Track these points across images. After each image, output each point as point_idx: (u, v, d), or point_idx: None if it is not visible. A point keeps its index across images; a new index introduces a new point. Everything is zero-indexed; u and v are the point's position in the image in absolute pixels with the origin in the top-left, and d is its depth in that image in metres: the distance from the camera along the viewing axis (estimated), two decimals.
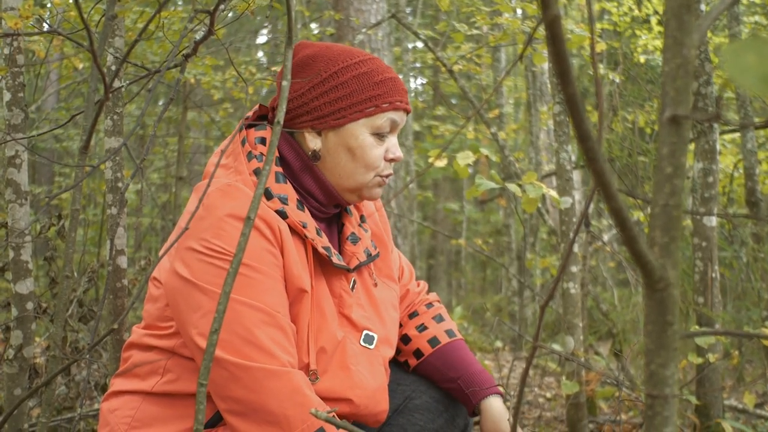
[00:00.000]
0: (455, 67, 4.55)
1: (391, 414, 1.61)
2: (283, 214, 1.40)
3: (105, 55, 2.29)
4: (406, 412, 1.62)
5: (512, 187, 2.12)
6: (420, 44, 8.12)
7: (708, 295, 2.65)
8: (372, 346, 1.51)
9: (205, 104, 6.81)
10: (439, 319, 1.72)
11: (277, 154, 1.47)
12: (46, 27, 2.53)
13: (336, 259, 1.47)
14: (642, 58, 4.47)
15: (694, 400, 2.62)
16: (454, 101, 10.24)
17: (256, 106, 1.57)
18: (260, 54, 9.55)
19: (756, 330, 3.21)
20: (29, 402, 2.50)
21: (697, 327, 2.70)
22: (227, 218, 1.35)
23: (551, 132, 6.82)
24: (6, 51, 2.10)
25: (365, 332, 1.51)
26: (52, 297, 2.76)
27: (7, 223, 2.14)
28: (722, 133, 4.45)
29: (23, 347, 2.10)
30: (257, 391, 1.30)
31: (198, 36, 1.50)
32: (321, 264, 1.48)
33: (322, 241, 1.45)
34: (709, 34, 3.72)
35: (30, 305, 2.11)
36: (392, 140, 1.51)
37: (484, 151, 2.22)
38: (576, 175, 6.16)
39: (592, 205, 5.03)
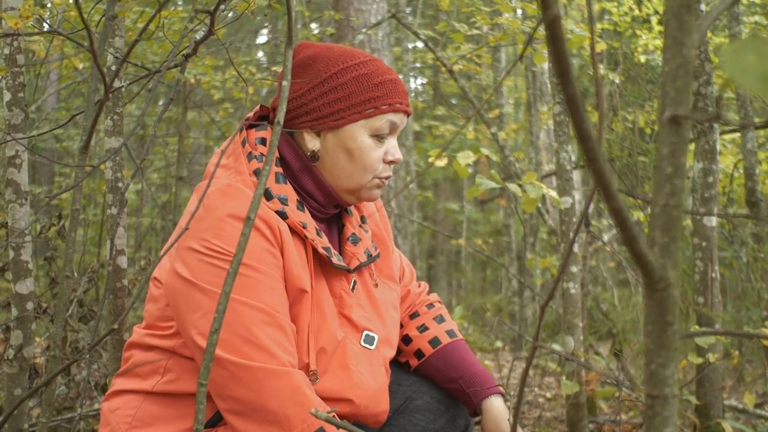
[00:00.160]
0: (455, 67, 4.55)
1: (392, 414, 1.62)
2: (283, 215, 1.40)
3: (105, 55, 2.29)
4: (407, 413, 1.62)
5: (512, 187, 2.12)
6: (420, 44, 8.12)
7: (708, 295, 2.65)
8: (372, 347, 1.51)
9: (205, 104, 6.81)
10: (440, 319, 1.72)
11: (277, 154, 1.47)
12: (46, 27, 2.53)
13: (336, 259, 1.47)
14: (642, 58, 4.47)
15: (694, 400, 2.62)
16: (454, 101, 10.23)
17: (257, 107, 1.57)
18: (260, 54, 9.54)
19: (756, 330, 3.21)
20: (29, 402, 2.50)
21: (697, 327, 2.70)
22: (227, 218, 1.35)
23: (551, 132, 6.82)
24: (6, 51, 2.10)
25: (365, 333, 1.51)
26: (52, 297, 2.76)
27: (7, 223, 2.14)
28: (722, 133, 4.45)
29: (23, 347, 2.10)
30: (257, 391, 1.30)
31: (198, 36, 1.50)
32: (321, 264, 1.47)
33: (322, 242, 1.45)
34: (709, 34, 3.72)
35: (30, 305, 2.11)
36: (392, 142, 1.50)
37: (485, 151, 2.22)
38: (576, 175, 6.16)
39: (592, 205, 5.03)
